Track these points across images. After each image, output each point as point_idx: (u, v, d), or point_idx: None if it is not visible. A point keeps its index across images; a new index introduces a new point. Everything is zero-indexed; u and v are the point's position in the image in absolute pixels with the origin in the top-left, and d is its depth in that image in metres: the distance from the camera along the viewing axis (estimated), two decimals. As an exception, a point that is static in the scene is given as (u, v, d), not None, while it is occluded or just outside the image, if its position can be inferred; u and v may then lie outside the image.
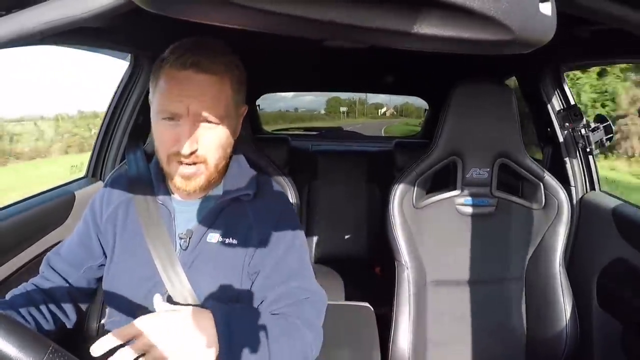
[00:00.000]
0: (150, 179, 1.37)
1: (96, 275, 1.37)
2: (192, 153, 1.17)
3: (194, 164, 1.20)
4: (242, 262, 1.29)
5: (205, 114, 1.16)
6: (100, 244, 1.37)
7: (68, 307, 1.32)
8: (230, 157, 1.40)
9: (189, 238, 1.28)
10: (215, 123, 1.20)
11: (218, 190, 1.35)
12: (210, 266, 1.27)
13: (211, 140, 1.20)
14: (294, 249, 1.35)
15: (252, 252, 1.30)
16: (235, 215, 1.32)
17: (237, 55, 1.28)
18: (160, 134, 1.20)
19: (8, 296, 1.26)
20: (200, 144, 1.18)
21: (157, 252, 1.25)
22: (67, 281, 1.34)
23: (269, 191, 1.41)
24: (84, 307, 1.40)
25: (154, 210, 1.30)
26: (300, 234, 1.40)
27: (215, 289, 1.26)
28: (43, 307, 1.25)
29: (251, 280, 1.32)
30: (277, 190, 1.48)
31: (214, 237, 1.29)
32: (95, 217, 1.37)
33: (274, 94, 4.29)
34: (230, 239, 1.29)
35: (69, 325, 1.33)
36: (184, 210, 1.33)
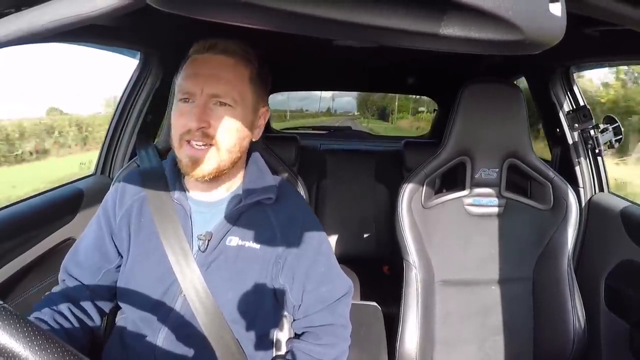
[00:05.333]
0: (163, 175, 1.35)
1: (115, 278, 1.35)
2: (201, 128, 1.15)
3: (204, 145, 1.18)
4: (264, 268, 1.29)
5: (218, 93, 1.16)
6: (115, 245, 1.35)
7: (92, 312, 1.32)
8: (249, 156, 1.39)
9: (208, 240, 1.26)
10: (229, 105, 1.18)
11: (238, 191, 1.34)
12: (228, 269, 1.26)
13: (223, 121, 1.18)
14: (321, 254, 1.36)
15: (278, 260, 1.30)
16: (257, 219, 1.31)
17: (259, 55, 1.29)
18: (175, 117, 1.20)
19: (33, 306, 1.25)
20: (211, 123, 1.17)
21: (173, 250, 1.24)
22: (87, 287, 1.33)
23: (289, 196, 1.40)
24: (107, 309, 1.39)
25: (169, 208, 1.29)
26: (324, 237, 1.41)
27: (233, 292, 1.26)
28: (68, 314, 1.25)
29: (274, 287, 1.33)
30: (297, 194, 1.48)
31: (234, 240, 1.27)
32: (108, 219, 1.35)
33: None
34: (251, 242, 1.28)
35: (95, 328, 1.33)
36: (202, 211, 1.31)
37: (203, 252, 1.26)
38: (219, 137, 1.18)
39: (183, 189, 1.33)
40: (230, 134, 1.20)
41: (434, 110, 4.31)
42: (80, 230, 1.55)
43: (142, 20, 1.51)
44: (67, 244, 1.83)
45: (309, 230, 1.35)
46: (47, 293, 1.32)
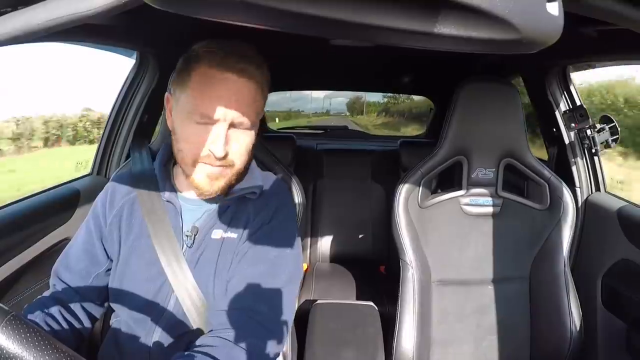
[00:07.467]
0: (154, 176, 1.35)
1: (105, 282, 1.34)
2: (224, 157, 1.16)
3: (221, 166, 1.19)
4: (234, 256, 1.27)
5: (241, 119, 1.16)
6: (104, 248, 1.35)
7: (82, 316, 1.31)
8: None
9: (194, 235, 1.27)
10: (248, 128, 1.20)
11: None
12: (213, 263, 1.26)
13: (241, 145, 1.21)
14: (273, 237, 1.29)
15: (242, 245, 1.28)
16: (238, 211, 1.31)
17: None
18: (191, 135, 1.17)
19: (24, 309, 1.24)
20: (230, 148, 1.18)
21: (163, 251, 1.24)
22: (77, 291, 1.32)
23: (273, 188, 1.40)
24: (97, 313, 1.37)
25: (159, 208, 1.29)
26: (289, 227, 1.36)
27: (217, 286, 1.25)
28: (59, 317, 1.24)
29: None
30: (281, 187, 1.46)
31: (217, 233, 1.28)
32: (98, 222, 1.35)
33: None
34: (230, 233, 1.28)
35: (84, 332, 1.32)
36: (190, 208, 1.32)
37: (190, 247, 1.27)
38: (236, 160, 1.22)
39: (173, 189, 1.34)
40: (245, 155, 1.24)
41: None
42: (76, 231, 1.54)
43: (139, 19, 1.51)
44: (63, 244, 1.82)
45: (277, 217, 1.33)
46: (38, 297, 1.31)
